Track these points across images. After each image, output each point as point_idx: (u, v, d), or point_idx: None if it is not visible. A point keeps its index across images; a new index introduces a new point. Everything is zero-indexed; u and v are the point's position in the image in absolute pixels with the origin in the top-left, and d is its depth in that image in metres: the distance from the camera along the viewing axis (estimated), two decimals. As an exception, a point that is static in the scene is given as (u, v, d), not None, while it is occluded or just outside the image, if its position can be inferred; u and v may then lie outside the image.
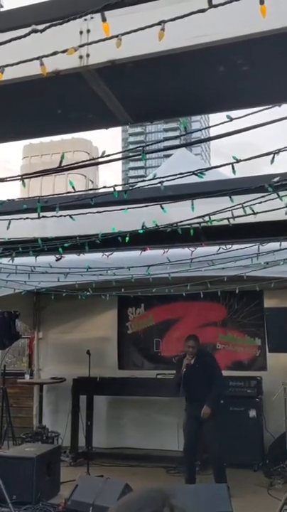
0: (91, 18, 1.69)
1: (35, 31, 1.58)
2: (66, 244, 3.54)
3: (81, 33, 1.76)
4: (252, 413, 6.66)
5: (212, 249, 4.24)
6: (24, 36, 1.60)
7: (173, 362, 6.87)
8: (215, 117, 2.41)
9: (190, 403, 5.79)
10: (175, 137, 4.73)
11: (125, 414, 7.64)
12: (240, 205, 2.88)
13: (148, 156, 2.28)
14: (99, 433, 7.49)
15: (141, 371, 7.53)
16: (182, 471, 5.84)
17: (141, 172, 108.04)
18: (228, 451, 6.61)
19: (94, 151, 73.69)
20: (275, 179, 2.64)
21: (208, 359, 5.93)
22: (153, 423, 7.15)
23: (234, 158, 2.35)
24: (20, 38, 1.60)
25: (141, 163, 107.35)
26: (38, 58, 1.61)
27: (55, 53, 1.62)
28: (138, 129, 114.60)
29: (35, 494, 5.07)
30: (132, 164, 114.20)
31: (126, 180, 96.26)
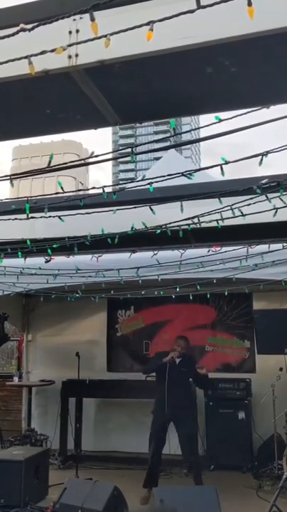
0: (81, 18, 1.69)
1: (23, 30, 1.57)
2: (55, 246, 3.52)
3: (70, 32, 1.76)
4: (241, 415, 6.67)
5: (202, 251, 4.24)
6: (12, 35, 1.59)
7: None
8: (205, 118, 2.41)
9: (163, 404, 5.42)
10: (165, 138, 4.71)
11: (114, 417, 7.62)
12: (229, 207, 2.88)
13: (138, 158, 2.29)
14: (88, 436, 7.47)
15: (131, 373, 7.51)
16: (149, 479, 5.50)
17: (131, 174, 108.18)
18: (217, 453, 6.65)
19: (85, 152, 73.69)
20: (264, 181, 2.65)
21: (193, 364, 5.86)
22: (142, 425, 7.12)
23: (222, 159, 2.36)
24: (8, 36, 1.60)
25: (131, 166, 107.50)
26: (26, 57, 1.60)
27: (43, 52, 1.61)
28: (129, 132, 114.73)
29: (23, 497, 5.03)
30: (122, 167, 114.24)
31: (116, 182, 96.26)
